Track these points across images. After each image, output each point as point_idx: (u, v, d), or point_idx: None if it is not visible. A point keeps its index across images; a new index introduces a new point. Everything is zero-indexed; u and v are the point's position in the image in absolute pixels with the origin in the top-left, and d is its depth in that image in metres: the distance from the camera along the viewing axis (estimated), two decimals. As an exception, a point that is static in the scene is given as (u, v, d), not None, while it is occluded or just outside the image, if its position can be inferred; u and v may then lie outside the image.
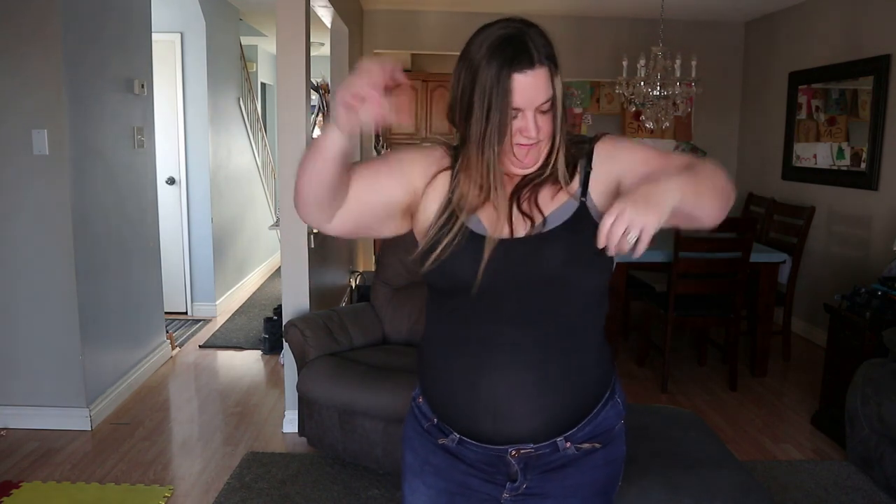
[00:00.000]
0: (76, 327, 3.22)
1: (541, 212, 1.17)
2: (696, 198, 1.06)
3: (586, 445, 1.22)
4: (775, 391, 3.94)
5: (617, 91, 4.92)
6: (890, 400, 2.69)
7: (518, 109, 1.10)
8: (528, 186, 1.19)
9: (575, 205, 1.17)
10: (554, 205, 1.17)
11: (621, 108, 5.91)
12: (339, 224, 1.24)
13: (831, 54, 4.73)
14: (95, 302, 3.38)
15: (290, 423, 3.29)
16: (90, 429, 3.28)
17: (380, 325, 3.32)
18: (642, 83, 4.54)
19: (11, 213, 3.16)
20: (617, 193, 1.16)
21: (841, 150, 4.64)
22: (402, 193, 1.22)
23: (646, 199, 0.99)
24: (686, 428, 2.34)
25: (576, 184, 1.19)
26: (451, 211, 1.18)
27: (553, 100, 1.12)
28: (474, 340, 1.17)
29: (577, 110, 6.00)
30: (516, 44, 1.09)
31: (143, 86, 3.89)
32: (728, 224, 3.95)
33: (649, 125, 4.69)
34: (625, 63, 4.66)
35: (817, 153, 4.89)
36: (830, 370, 3.36)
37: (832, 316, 3.36)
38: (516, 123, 1.11)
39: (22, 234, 3.17)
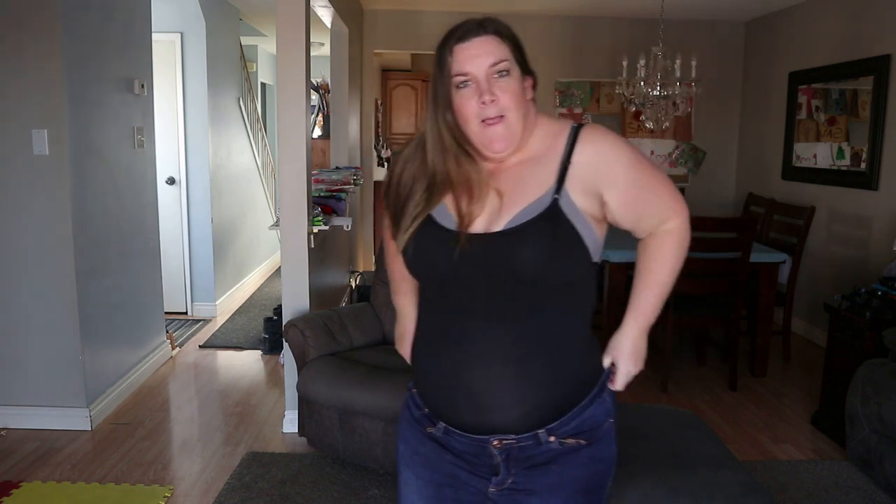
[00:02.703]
0: (76, 327, 3.22)
1: (513, 205, 1.16)
2: (663, 302, 1.32)
3: (571, 441, 1.21)
4: (775, 391, 3.94)
5: (617, 91, 4.92)
6: (890, 400, 2.69)
7: (466, 75, 1.14)
8: (500, 176, 1.20)
9: (548, 200, 1.15)
10: (528, 198, 1.16)
11: (621, 108, 5.91)
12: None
13: (831, 54, 4.73)
14: (95, 302, 3.38)
15: (290, 423, 3.29)
16: (90, 429, 3.28)
17: (380, 325, 3.32)
18: (642, 83, 4.54)
19: (11, 214, 3.16)
20: (601, 207, 1.19)
21: (841, 150, 4.64)
22: None
23: (635, 355, 1.32)
24: (686, 428, 2.34)
25: (551, 176, 1.17)
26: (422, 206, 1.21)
27: (508, 65, 1.15)
28: (455, 333, 1.18)
29: (577, 110, 6.00)
30: (463, 24, 1.16)
31: (143, 86, 3.89)
32: (728, 224, 3.95)
33: (649, 125, 4.69)
34: (625, 63, 4.66)
35: (817, 153, 4.89)
36: (830, 370, 3.36)
37: (832, 316, 3.36)
38: (471, 93, 1.14)
39: (22, 234, 3.17)
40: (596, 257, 1.20)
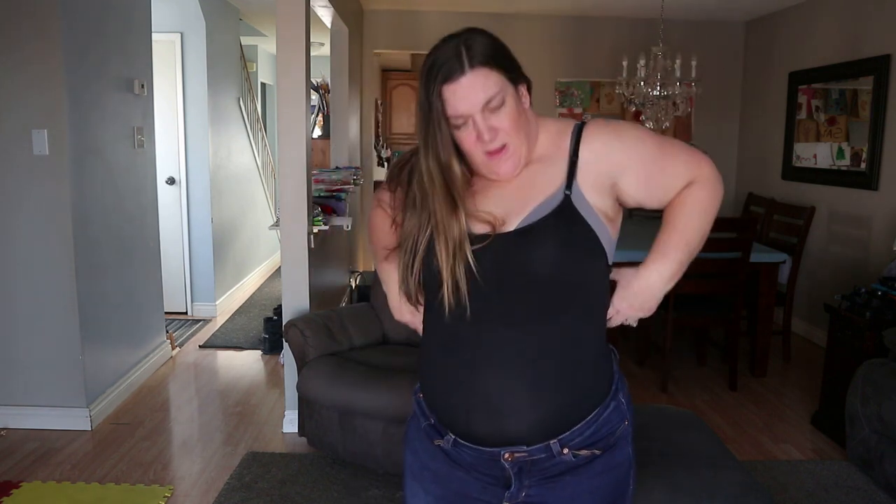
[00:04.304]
0: (76, 327, 3.22)
1: (525, 205, 1.14)
2: (691, 257, 1.20)
3: (584, 452, 1.18)
4: (775, 391, 3.94)
5: (617, 91, 4.92)
6: (890, 400, 2.69)
7: (462, 116, 1.11)
8: (510, 181, 1.18)
9: (560, 197, 1.13)
10: (539, 197, 1.14)
11: (621, 108, 5.91)
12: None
13: (831, 54, 4.73)
14: (95, 302, 3.38)
15: (290, 423, 3.29)
16: (90, 429, 3.28)
17: (380, 325, 3.31)
18: (642, 83, 4.54)
19: (12, 214, 3.16)
20: (614, 204, 1.18)
21: (841, 150, 4.64)
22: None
23: (640, 301, 1.20)
24: (686, 428, 2.34)
25: (561, 174, 1.15)
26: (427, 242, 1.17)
27: (502, 95, 1.11)
28: (466, 339, 1.16)
29: (577, 110, 6.00)
30: (444, 60, 1.10)
31: (143, 86, 3.89)
32: (728, 224, 3.95)
33: (649, 125, 4.69)
34: (625, 63, 4.66)
35: (817, 153, 4.89)
36: (830, 370, 3.36)
37: (832, 316, 3.36)
38: (468, 132, 1.12)
39: (22, 234, 3.17)
40: (611, 258, 1.18)
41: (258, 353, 4.51)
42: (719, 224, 4.49)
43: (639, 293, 1.20)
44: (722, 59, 5.97)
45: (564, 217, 1.12)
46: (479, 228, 1.15)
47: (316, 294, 3.54)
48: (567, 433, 1.17)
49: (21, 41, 3.04)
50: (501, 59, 1.12)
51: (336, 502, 2.67)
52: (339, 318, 3.20)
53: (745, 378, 4.10)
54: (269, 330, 4.50)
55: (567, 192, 1.13)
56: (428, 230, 1.16)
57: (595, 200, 1.14)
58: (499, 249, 1.12)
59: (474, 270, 1.12)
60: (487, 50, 1.11)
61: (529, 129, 1.17)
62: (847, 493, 2.78)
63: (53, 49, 3.04)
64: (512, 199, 1.16)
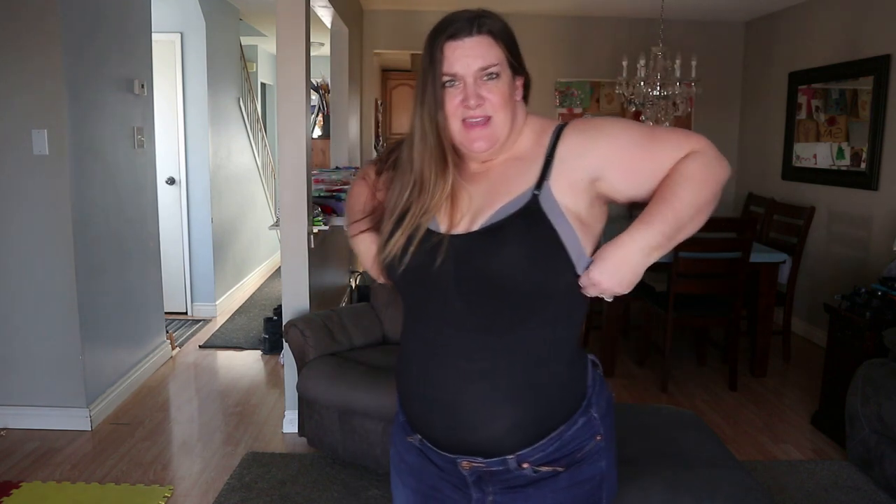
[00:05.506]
0: (76, 327, 3.22)
1: (494, 203, 1.10)
2: (679, 232, 1.07)
3: (546, 468, 1.12)
4: (775, 391, 3.94)
5: (617, 91, 4.92)
6: (890, 400, 2.69)
7: (454, 76, 1.10)
8: (486, 176, 1.15)
9: (528, 196, 1.08)
10: (509, 195, 1.09)
11: (621, 108, 5.91)
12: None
13: (831, 54, 4.73)
14: (95, 302, 3.38)
15: (290, 423, 3.29)
16: (90, 429, 3.28)
17: (380, 325, 3.31)
18: (642, 83, 4.54)
19: (11, 214, 3.16)
20: (595, 192, 1.10)
21: (841, 150, 4.64)
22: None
23: (619, 275, 1.06)
24: (686, 428, 2.34)
25: (535, 174, 1.10)
26: (402, 210, 1.14)
27: (499, 68, 1.10)
28: (431, 342, 1.13)
29: (577, 110, 6.00)
30: (455, 20, 1.11)
31: (143, 86, 3.89)
32: (728, 224, 3.95)
33: (649, 125, 4.69)
34: (625, 63, 4.66)
35: (817, 153, 4.89)
36: (830, 370, 3.36)
37: (832, 316, 3.36)
38: (455, 93, 1.10)
39: (22, 234, 3.17)
40: (580, 268, 1.09)
41: (258, 353, 4.51)
42: (719, 224, 4.47)
43: (619, 265, 1.06)
44: (722, 59, 5.97)
45: (529, 218, 1.06)
46: (444, 224, 1.12)
47: (316, 294, 3.54)
48: (527, 449, 1.12)
49: (21, 41, 3.04)
50: (509, 41, 1.13)
51: (336, 502, 2.67)
52: (339, 318, 3.20)
53: (745, 378, 4.10)
54: (269, 330, 4.50)
55: (536, 192, 1.08)
56: (408, 194, 1.13)
57: (568, 202, 1.08)
58: (461, 247, 1.08)
59: (436, 267, 1.09)
60: (500, 27, 1.12)
61: (516, 117, 1.14)
62: (847, 493, 2.78)
63: (53, 49, 3.04)
64: (483, 196, 1.12)
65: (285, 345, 3.16)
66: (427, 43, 1.12)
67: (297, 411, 3.16)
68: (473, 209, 1.12)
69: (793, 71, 5.16)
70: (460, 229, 1.11)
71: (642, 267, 1.07)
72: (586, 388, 1.18)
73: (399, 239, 1.12)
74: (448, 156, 1.12)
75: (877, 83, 4.24)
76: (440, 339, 1.12)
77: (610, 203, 1.16)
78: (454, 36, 1.09)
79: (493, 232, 1.07)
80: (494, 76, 1.09)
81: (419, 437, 1.20)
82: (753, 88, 5.87)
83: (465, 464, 1.14)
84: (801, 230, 4.36)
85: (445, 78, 1.10)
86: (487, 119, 1.10)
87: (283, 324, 3.14)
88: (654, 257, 1.07)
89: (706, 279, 3.81)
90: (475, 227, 1.09)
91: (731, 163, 5.63)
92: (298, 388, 2.95)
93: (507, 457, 1.12)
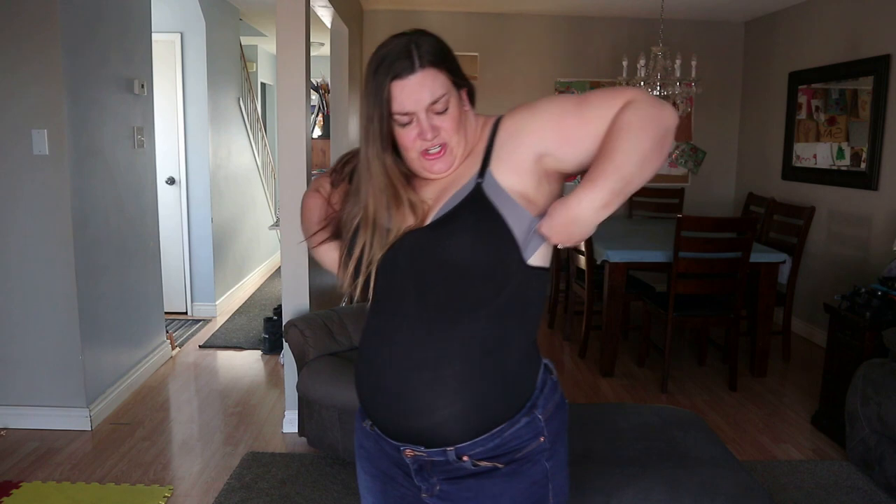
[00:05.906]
0: (76, 327, 3.22)
1: (444, 198, 1.14)
2: (628, 184, 1.06)
3: (485, 464, 1.15)
4: (775, 391, 3.94)
5: (617, 91, 4.91)
6: (890, 400, 2.69)
7: (407, 114, 1.12)
8: (432, 179, 1.19)
9: (471, 185, 1.13)
10: (455, 188, 1.14)
11: (621, 108, 5.90)
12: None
13: (831, 54, 4.73)
14: (95, 302, 3.38)
15: (290, 423, 3.29)
16: (90, 429, 3.28)
17: (380, 325, 3.31)
18: (642, 83, 4.54)
19: (11, 214, 3.16)
20: (542, 170, 1.13)
21: (841, 150, 4.64)
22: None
23: (567, 232, 1.08)
24: (686, 428, 2.34)
25: (478, 164, 1.15)
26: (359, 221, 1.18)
27: (447, 97, 1.12)
28: (384, 331, 1.17)
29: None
30: (396, 55, 1.11)
31: (143, 86, 3.89)
32: (728, 224, 3.96)
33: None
34: (625, 63, 4.67)
35: (817, 153, 4.89)
36: (830, 370, 3.36)
37: (832, 316, 3.36)
38: (411, 129, 1.13)
39: (22, 234, 3.17)
40: (528, 251, 1.13)
41: (258, 353, 4.51)
42: (719, 224, 4.46)
43: (567, 224, 1.07)
44: (722, 60, 5.97)
45: (475, 204, 1.11)
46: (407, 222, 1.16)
47: (316, 294, 3.54)
48: (467, 443, 1.14)
49: (21, 41, 3.04)
50: (449, 63, 1.14)
51: (336, 502, 2.67)
52: (339, 318, 3.20)
53: (745, 378, 4.10)
54: (269, 330, 4.50)
55: (479, 180, 1.12)
56: (359, 218, 1.18)
57: (513, 183, 1.12)
58: (415, 243, 1.13)
59: (391, 262, 1.14)
60: (436, 52, 1.13)
61: (468, 130, 1.18)
62: (847, 493, 2.78)
63: (53, 49, 3.04)
64: (436, 194, 1.17)
65: (285, 345, 3.16)
66: (368, 79, 1.13)
67: (297, 411, 3.16)
68: (427, 207, 1.17)
69: (793, 71, 5.17)
70: (405, 223, 1.15)
71: (593, 224, 1.08)
72: (534, 389, 1.20)
73: (356, 251, 1.17)
74: (399, 189, 1.16)
75: (877, 83, 4.24)
76: (391, 328, 1.15)
77: (564, 175, 1.18)
78: (399, 76, 1.10)
79: (443, 223, 1.11)
80: (444, 107, 1.12)
81: (370, 422, 1.24)
82: (753, 88, 5.87)
83: (407, 452, 1.18)
84: (801, 230, 4.36)
85: (399, 117, 1.12)
86: (444, 145, 1.14)
87: (283, 324, 3.14)
88: (607, 212, 1.08)
89: (706, 279, 3.82)
90: (427, 222, 1.14)
91: (731, 162, 5.63)
92: (298, 388, 2.95)
93: (447, 448, 1.15)
